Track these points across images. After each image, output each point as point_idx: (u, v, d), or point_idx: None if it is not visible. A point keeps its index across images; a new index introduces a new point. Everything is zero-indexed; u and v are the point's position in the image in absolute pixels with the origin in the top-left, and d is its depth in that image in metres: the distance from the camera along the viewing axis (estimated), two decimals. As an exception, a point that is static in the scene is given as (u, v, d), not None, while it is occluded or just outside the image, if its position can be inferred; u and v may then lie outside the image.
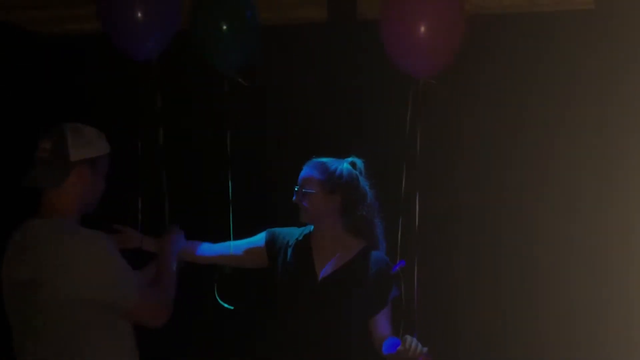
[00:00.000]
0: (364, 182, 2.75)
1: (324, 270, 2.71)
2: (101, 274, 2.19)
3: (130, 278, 2.26)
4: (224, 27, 2.76)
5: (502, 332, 3.41)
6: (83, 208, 2.34)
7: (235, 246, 2.83)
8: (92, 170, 2.31)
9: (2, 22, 3.87)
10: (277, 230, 2.84)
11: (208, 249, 2.86)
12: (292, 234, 2.82)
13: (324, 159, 2.74)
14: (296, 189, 2.73)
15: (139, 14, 2.74)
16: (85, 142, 2.28)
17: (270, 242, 2.80)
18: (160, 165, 2.90)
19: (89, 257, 2.19)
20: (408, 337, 2.44)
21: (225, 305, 2.84)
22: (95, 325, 2.22)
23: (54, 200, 2.29)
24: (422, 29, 2.55)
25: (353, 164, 2.76)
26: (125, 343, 2.33)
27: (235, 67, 2.85)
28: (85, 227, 2.29)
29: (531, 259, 3.40)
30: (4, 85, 3.88)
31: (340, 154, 2.79)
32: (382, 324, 2.69)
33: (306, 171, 2.73)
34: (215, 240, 2.88)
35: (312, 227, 2.79)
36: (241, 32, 2.81)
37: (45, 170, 2.26)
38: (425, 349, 2.43)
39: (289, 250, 2.76)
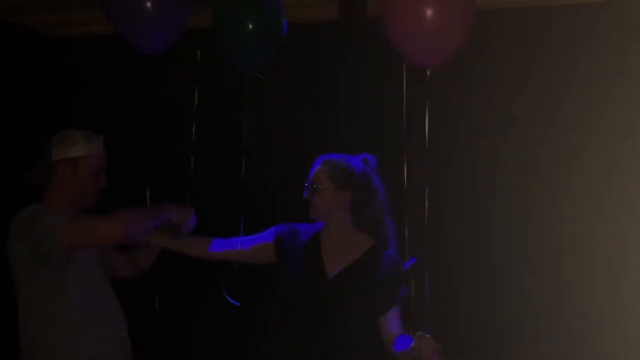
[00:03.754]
0: (375, 179, 2.73)
1: (333, 268, 2.68)
2: (27, 226, 2.47)
3: (54, 218, 2.45)
4: (249, 27, 2.71)
5: (515, 330, 3.39)
6: (73, 203, 2.57)
7: (243, 242, 2.80)
8: (75, 169, 2.57)
9: (10, 24, 3.90)
10: (286, 225, 2.81)
11: (216, 245, 2.83)
12: (301, 230, 2.79)
13: (336, 155, 2.72)
14: (307, 185, 2.71)
15: (147, 6, 2.74)
16: (69, 144, 2.56)
17: (279, 238, 2.77)
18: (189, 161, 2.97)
19: (22, 219, 2.50)
20: (421, 333, 2.41)
21: (233, 302, 2.82)
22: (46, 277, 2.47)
23: (45, 195, 2.59)
24: (431, 15, 2.44)
25: (365, 160, 2.74)
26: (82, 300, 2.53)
27: (256, 67, 2.82)
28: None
29: (545, 253, 3.39)
30: (13, 87, 3.90)
31: (351, 151, 2.76)
32: (392, 322, 2.67)
33: (317, 167, 2.70)
34: (224, 236, 2.84)
35: (321, 223, 2.76)
36: (265, 31, 2.76)
37: (35, 169, 2.59)
38: (439, 346, 2.39)
39: (298, 247, 2.74)
